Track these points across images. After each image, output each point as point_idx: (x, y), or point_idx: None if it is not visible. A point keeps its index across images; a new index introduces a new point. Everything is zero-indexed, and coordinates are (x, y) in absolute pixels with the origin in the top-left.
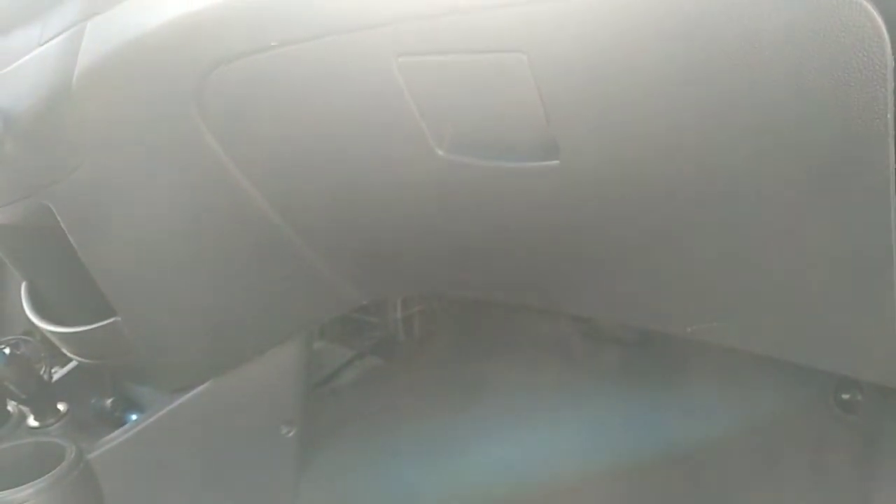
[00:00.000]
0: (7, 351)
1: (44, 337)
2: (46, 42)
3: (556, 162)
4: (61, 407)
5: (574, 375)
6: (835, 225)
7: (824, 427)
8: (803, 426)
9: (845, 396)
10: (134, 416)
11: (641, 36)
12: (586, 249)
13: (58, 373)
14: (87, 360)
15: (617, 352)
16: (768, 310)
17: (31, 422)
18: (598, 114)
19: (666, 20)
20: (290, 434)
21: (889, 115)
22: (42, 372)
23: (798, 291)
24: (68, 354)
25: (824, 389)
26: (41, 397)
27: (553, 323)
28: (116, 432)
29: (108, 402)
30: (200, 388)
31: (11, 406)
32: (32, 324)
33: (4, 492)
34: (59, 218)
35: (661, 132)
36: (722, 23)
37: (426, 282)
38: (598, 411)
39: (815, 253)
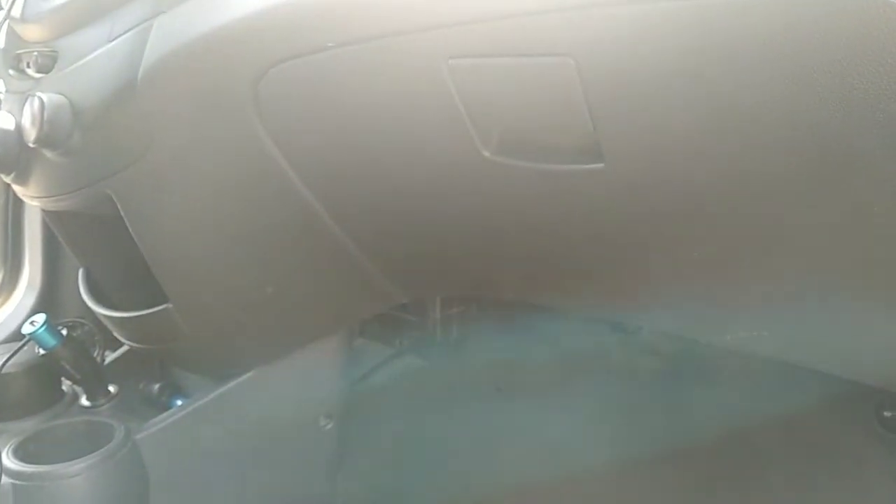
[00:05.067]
0: (64, 332)
1: (97, 321)
2: (115, 39)
3: (601, 165)
4: (112, 389)
5: (609, 382)
6: (880, 234)
7: (864, 445)
8: (842, 444)
9: (888, 414)
10: (179, 401)
11: (687, 42)
12: (626, 253)
13: (110, 356)
14: (138, 345)
15: (653, 362)
16: (809, 319)
17: (84, 401)
18: (642, 119)
19: (714, 27)
20: (329, 427)
21: None
22: (95, 354)
23: (840, 300)
24: (120, 338)
25: (866, 406)
26: (94, 378)
27: (591, 327)
28: (162, 415)
29: (156, 386)
30: (244, 376)
31: (66, 385)
32: (86, 308)
33: (58, 465)
34: (119, 206)
35: (702, 136)
36: (772, 29)
37: (466, 282)
38: (634, 418)
39: (859, 261)
